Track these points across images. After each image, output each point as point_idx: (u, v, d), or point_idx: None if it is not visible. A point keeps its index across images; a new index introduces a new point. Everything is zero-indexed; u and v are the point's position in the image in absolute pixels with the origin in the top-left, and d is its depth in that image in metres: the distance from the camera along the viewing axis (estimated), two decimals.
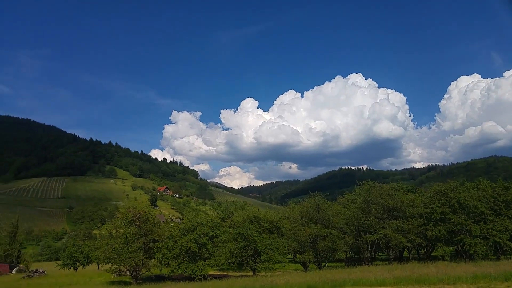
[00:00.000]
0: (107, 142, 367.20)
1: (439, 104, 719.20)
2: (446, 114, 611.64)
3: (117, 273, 36.49)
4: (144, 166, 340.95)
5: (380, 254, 51.63)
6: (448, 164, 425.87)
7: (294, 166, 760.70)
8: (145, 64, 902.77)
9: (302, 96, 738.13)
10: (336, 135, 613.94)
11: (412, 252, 52.40)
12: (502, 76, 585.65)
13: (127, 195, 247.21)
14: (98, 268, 55.13)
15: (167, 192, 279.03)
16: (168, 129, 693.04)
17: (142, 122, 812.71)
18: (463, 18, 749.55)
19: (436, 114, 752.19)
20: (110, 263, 36.76)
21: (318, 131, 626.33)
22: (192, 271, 34.34)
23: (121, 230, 37.88)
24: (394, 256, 42.98)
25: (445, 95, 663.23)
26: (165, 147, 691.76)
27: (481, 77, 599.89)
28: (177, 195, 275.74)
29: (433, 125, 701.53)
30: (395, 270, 26.87)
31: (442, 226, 38.41)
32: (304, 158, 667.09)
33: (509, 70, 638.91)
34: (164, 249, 35.57)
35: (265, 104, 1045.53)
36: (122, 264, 35.54)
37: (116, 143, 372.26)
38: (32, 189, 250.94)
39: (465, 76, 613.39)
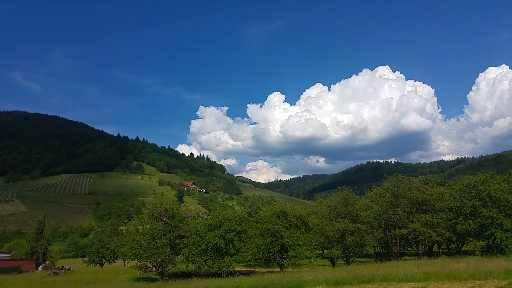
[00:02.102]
0: (134, 138, 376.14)
1: (467, 96, 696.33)
2: (475, 106, 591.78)
3: (143, 269, 37.08)
4: (171, 161, 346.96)
5: (409, 249, 50.56)
6: (478, 156, 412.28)
7: (322, 160, 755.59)
8: (174, 59, 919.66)
9: (329, 90, 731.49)
10: (364, 128, 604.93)
11: (442, 246, 51.04)
12: None
13: (154, 190, 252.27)
14: (124, 264, 55.58)
15: (193, 187, 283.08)
16: (195, 124, 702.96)
17: (170, 117, 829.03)
18: (491, 7, 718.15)
19: (464, 106, 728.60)
20: (136, 260, 37.40)
21: (345, 124, 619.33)
22: (219, 267, 34.66)
23: (148, 226, 38.57)
24: (423, 251, 41.96)
25: (473, 87, 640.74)
26: (192, 142, 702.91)
27: (509, 68, 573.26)
28: (204, 190, 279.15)
29: (462, 117, 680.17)
30: (425, 266, 26.30)
31: (472, 220, 37.37)
32: (331, 152, 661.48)
33: None
34: (191, 245, 36.06)
35: (292, 98, 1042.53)
36: (148, 260, 36.12)
37: (143, 139, 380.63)
38: (60, 185, 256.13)
39: (493, 67, 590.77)
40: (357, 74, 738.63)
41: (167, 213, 38.00)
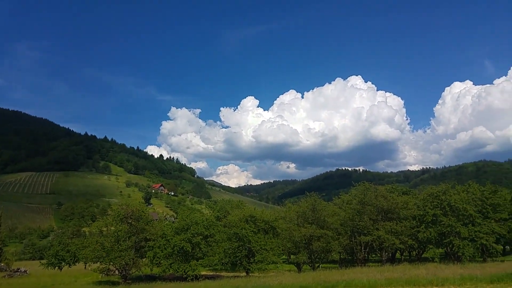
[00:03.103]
0: (102, 137, 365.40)
1: (434, 109, 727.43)
2: (440, 118, 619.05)
3: (105, 272, 35.92)
4: (140, 162, 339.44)
5: (373, 255, 51.81)
6: (441, 167, 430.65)
7: (292, 165, 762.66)
8: (147, 59, 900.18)
9: (302, 97, 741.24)
10: (335, 136, 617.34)
11: (404, 253, 52.67)
12: (493, 84, 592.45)
13: (121, 191, 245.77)
14: (85, 267, 53.24)
15: (162, 189, 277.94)
16: (166, 126, 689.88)
17: (140, 118, 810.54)
18: (458, 26, 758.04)
19: (431, 118, 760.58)
20: (98, 262, 36.10)
21: (316, 132, 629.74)
22: (184, 271, 34.14)
23: (112, 228, 37.45)
24: (386, 258, 43.13)
25: (439, 100, 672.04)
26: (162, 144, 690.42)
27: (473, 84, 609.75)
28: (172, 193, 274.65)
29: (428, 129, 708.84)
30: (387, 272, 27.02)
31: (433, 228, 39.03)
32: (302, 158, 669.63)
33: (499, 78, 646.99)
34: (156, 248, 35.33)
35: (265, 103, 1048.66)
36: (112, 263, 34.96)
37: (112, 139, 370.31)
38: (19, 184, 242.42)
39: (458, 82, 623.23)
40: (330, 83, 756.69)
41: (133, 215, 37.08)
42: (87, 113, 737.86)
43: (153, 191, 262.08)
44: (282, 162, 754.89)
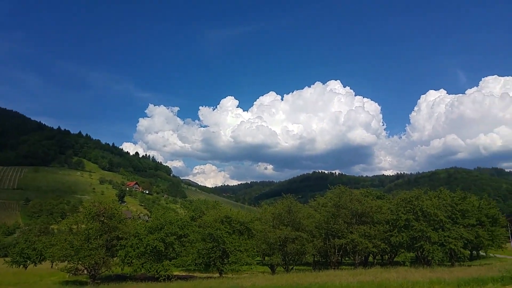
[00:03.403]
0: (76, 132, 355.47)
1: (409, 115, 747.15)
2: (415, 125, 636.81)
3: (73, 272, 34.77)
4: (115, 159, 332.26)
5: (346, 258, 52.39)
6: (415, 173, 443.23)
7: (270, 167, 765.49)
8: (125, 55, 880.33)
9: (282, 99, 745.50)
10: (312, 139, 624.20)
11: (376, 257, 53.53)
12: (465, 94, 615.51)
13: (94, 188, 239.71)
14: (52, 266, 50.79)
15: (136, 188, 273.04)
16: (143, 123, 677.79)
17: (117, 114, 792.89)
18: (436, 36, 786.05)
19: (406, 125, 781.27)
20: (66, 261, 34.97)
21: (295, 134, 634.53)
22: (156, 271, 33.53)
23: (83, 226, 36.38)
24: (359, 261, 43.70)
25: (415, 108, 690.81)
26: (138, 141, 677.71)
27: (447, 93, 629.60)
28: (147, 192, 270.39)
29: (404, 135, 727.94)
30: (360, 275, 27.42)
31: (405, 233, 39.90)
32: (280, 160, 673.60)
33: (471, 88, 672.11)
34: (128, 247, 34.57)
35: (245, 104, 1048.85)
36: (80, 262, 33.91)
37: (87, 134, 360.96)
38: None
39: (433, 91, 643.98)
40: (310, 86, 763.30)
41: (106, 213, 36.18)
42: (61, 107, 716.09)
43: (127, 189, 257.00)
44: (260, 163, 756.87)
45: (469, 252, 54.96)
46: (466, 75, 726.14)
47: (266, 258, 44.31)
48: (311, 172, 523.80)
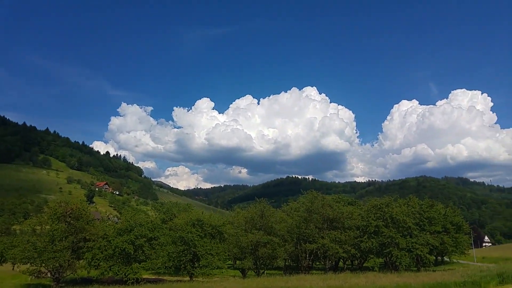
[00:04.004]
0: (44, 129, 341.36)
1: (382, 124, 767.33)
2: (388, 134, 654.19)
3: (35, 275, 33.44)
4: (84, 158, 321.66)
5: (317, 263, 52.96)
6: (386, 180, 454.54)
7: (244, 171, 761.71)
8: (99, 51, 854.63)
9: (258, 103, 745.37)
10: (287, 144, 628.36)
11: (346, 262, 54.39)
12: (435, 105, 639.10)
13: (61, 188, 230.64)
14: (13, 268, 48.76)
15: (106, 188, 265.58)
16: (115, 122, 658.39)
17: (88, 111, 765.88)
18: (410, 49, 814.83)
19: (379, 133, 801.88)
20: (28, 264, 33.43)
21: (270, 138, 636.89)
22: (125, 274, 32.71)
23: (48, 227, 34.98)
24: (330, 266, 44.26)
25: (388, 117, 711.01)
26: (110, 140, 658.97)
27: (418, 103, 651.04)
28: (117, 192, 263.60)
29: (376, 143, 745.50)
30: (329, 280, 27.72)
31: (375, 239, 40.84)
32: (255, 164, 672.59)
33: (441, 100, 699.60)
34: (96, 249, 33.57)
35: (221, 106, 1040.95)
36: (44, 264, 32.64)
37: (55, 131, 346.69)
38: None
39: (406, 101, 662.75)
40: (286, 92, 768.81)
41: (73, 213, 34.95)
42: (27, 102, 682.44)
43: (96, 189, 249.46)
44: (234, 167, 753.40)
45: (435, 258, 56.84)
46: (437, 87, 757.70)
47: (238, 262, 44.13)
48: (284, 177, 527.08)
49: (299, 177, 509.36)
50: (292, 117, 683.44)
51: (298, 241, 43.33)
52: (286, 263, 48.68)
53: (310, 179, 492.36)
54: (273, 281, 28.71)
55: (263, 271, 42.24)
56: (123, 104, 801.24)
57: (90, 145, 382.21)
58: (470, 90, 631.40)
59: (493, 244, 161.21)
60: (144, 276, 36.84)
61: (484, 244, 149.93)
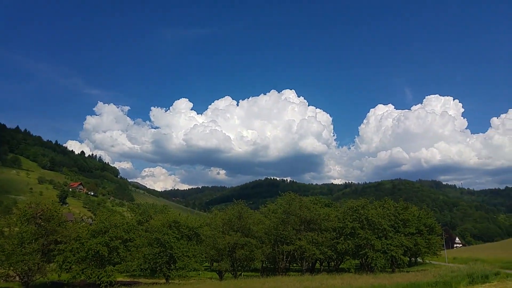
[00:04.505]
0: (14, 127, 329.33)
1: (359, 127, 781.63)
2: (364, 137, 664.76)
3: (3, 278, 32.25)
4: (58, 158, 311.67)
5: (294, 265, 53.19)
6: (362, 183, 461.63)
7: (223, 172, 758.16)
8: (75, 48, 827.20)
9: (237, 104, 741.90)
10: (266, 146, 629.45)
11: (323, 264, 54.87)
12: (410, 110, 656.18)
13: (31, 188, 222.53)
14: None
15: (80, 189, 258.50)
16: (91, 121, 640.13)
17: (62, 110, 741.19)
18: (387, 54, 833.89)
19: (355, 136, 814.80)
20: None
21: (249, 140, 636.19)
22: (98, 277, 31.81)
23: (16, 229, 33.72)
24: (307, 267, 44.52)
25: (364, 120, 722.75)
26: (85, 140, 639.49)
27: (394, 108, 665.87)
28: (92, 193, 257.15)
29: (353, 146, 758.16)
30: (306, 281, 27.88)
31: (351, 240, 41.42)
32: (233, 165, 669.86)
33: (416, 105, 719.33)
34: (68, 252, 32.52)
35: (199, 107, 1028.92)
36: (12, 268, 31.48)
37: (26, 130, 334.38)
38: None
39: (382, 105, 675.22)
40: (265, 94, 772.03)
41: (44, 215, 33.82)
42: None
43: (70, 189, 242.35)
44: (212, 168, 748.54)
45: (408, 259, 58.14)
46: (412, 93, 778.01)
47: (215, 264, 43.78)
48: (263, 178, 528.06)
49: (278, 178, 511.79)
50: (271, 119, 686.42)
51: (275, 243, 43.41)
52: (264, 265, 48.67)
53: (288, 180, 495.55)
54: (250, 283, 28.65)
55: (240, 273, 42.06)
56: (99, 103, 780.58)
57: (64, 145, 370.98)
58: (443, 96, 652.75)
59: (463, 245, 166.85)
60: (119, 279, 35.98)
61: (455, 245, 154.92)
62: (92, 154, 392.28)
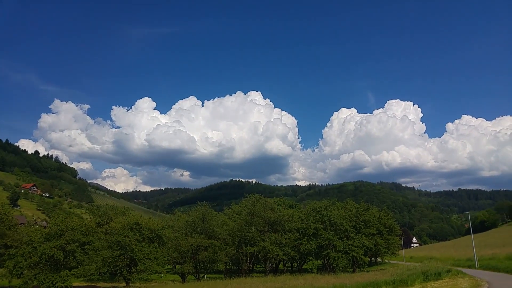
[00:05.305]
0: None
1: (322, 130, 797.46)
2: (327, 140, 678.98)
3: None
4: (8, 157, 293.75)
5: (258, 266, 53.41)
6: (325, 184, 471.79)
7: (187, 174, 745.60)
8: (30, 41, 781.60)
9: (202, 105, 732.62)
10: (231, 147, 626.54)
11: (286, 264, 55.41)
12: (372, 114, 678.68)
13: None
14: None
15: (34, 190, 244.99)
16: (46, 119, 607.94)
17: (14, 106, 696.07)
18: (350, 60, 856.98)
19: (319, 139, 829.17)
20: None
21: (214, 141, 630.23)
22: (52, 283, 30.25)
23: None
24: (270, 268, 44.79)
25: (328, 124, 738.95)
26: (39, 139, 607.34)
27: (357, 112, 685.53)
28: (47, 195, 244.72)
29: (317, 148, 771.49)
30: (269, 282, 28.05)
31: (314, 241, 42.07)
32: (198, 167, 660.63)
33: (378, 109, 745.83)
34: (19, 256, 30.70)
35: (163, 107, 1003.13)
36: None
37: None
38: None
39: (345, 109, 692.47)
40: (231, 95, 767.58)
41: None
42: None
43: (22, 191, 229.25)
44: (175, 169, 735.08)
45: (369, 259, 60.00)
46: (375, 97, 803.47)
47: (177, 266, 43.07)
48: (228, 180, 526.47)
49: (243, 180, 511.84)
50: (236, 121, 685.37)
51: (239, 244, 43.35)
52: (227, 267, 48.46)
53: (254, 182, 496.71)
54: (213, 285, 28.44)
55: (203, 275, 41.62)
56: (56, 101, 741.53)
57: (16, 144, 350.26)
58: (404, 100, 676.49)
59: (420, 244, 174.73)
60: (75, 284, 34.48)
61: (412, 245, 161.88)
62: (48, 154, 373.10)
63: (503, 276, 29.00)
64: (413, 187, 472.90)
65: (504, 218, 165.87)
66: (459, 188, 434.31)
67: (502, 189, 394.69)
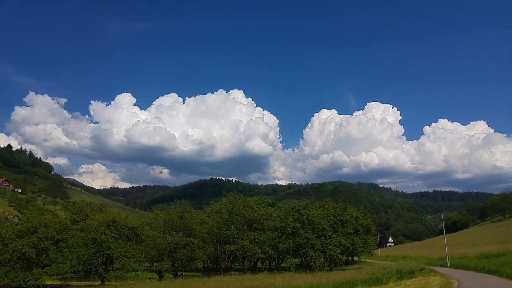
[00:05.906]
0: None
1: (303, 131, 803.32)
2: (308, 140, 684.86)
3: None
4: None
5: (236, 264, 53.46)
6: (305, 184, 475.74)
7: (166, 171, 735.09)
8: (5, 30, 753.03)
9: (183, 102, 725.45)
10: (212, 145, 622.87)
11: (265, 263, 55.79)
12: (352, 115, 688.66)
13: None
14: None
15: (6, 185, 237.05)
16: (20, 112, 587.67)
17: None
18: (332, 60, 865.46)
19: (300, 139, 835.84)
20: None
21: (195, 139, 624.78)
22: (24, 281, 29.55)
23: None
24: (248, 267, 44.93)
25: (308, 124, 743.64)
26: (12, 132, 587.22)
27: (337, 113, 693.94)
28: (20, 190, 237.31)
29: (297, 148, 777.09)
30: (247, 280, 28.14)
31: (292, 240, 42.51)
32: (177, 164, 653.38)
33: (358, 111, 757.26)
34: None
35: (143, 103, 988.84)
36: None
37: None
38: None
39: (326, 110, 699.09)
40: (213, 93, 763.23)
41: None
42: None
43: None
44: (155, 166, 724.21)
45: (345, 258, 61.02)
46: (355, 99, 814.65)
47: (155, 264, 42.64)
48: (208, 178, 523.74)
49: (223, 178, 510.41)
50: (218, 119, 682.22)
51: (218, 243, 43.30)
52: (205, 265, 48.29)
53: (234, 180, 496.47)
54: (191, 283, 28.30)
55: (181, 273, 41.35)
56: (31, 93, 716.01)
57: None
58: (383, 103, 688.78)
59: (395, 244, 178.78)
60: (48, 282, 33.64)
61: (388, 244, 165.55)
62: (21, 148, 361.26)
63: (473, 275, 30.08)
64: (390, 188, 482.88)
65: (475, 219, 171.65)
66: (434, 190, 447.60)
67: (474, 191, 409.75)
